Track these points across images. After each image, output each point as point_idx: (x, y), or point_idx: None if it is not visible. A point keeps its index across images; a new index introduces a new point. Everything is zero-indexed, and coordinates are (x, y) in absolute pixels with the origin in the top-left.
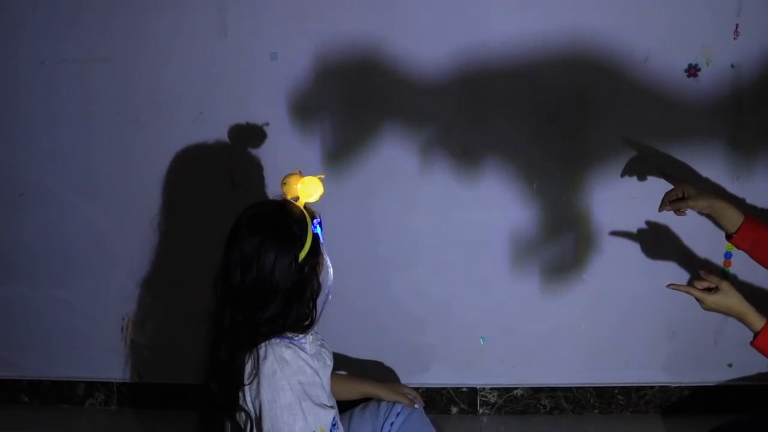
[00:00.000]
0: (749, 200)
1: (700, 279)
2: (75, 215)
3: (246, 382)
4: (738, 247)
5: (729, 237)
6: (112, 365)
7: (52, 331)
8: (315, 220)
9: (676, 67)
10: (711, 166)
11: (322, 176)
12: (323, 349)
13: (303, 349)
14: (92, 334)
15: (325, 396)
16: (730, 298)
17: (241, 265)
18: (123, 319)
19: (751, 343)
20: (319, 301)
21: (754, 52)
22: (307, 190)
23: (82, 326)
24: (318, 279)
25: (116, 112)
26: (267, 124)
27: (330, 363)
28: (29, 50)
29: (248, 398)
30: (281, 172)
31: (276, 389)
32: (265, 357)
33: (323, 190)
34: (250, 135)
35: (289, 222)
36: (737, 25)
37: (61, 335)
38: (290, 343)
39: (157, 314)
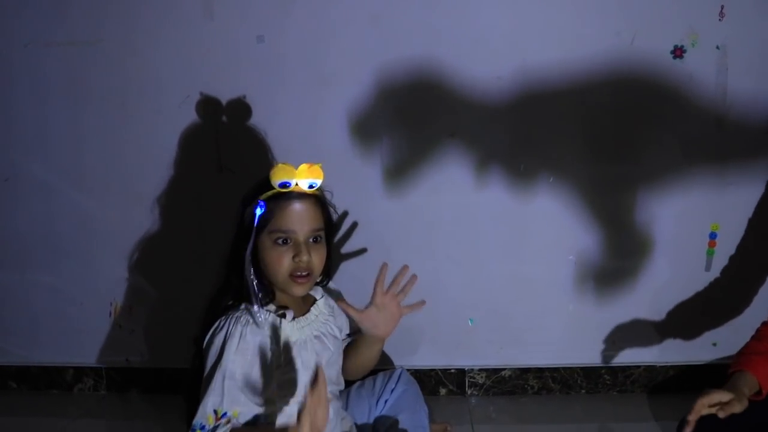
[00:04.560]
0: (734, 180)
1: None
2: (61, 200)
3: (203, 345)
4: None
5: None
6: (100, 350)
7: (39, 317)
8: (260, 202)
9: (662, 48)
10: (697, 147)
11: (319, 164)
12: (317, 340)
13: (261, 332)
14: (80, 319)
15: (257, 390)
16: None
17: None
18: (111, 304)
19: None
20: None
21: (739, 34)
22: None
23: (69, 311)
24: (247, 256)
25: (102, 95)
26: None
27: (326, 353)
28: (13, 33)
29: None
30: (269, 155)
31: (214, 359)
32: (220, 329)
33: (283, 174)
34: (236, 118)
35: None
36: (722, 7)
37: (49, 321)
38: (249, 319)
39: (145, 299)
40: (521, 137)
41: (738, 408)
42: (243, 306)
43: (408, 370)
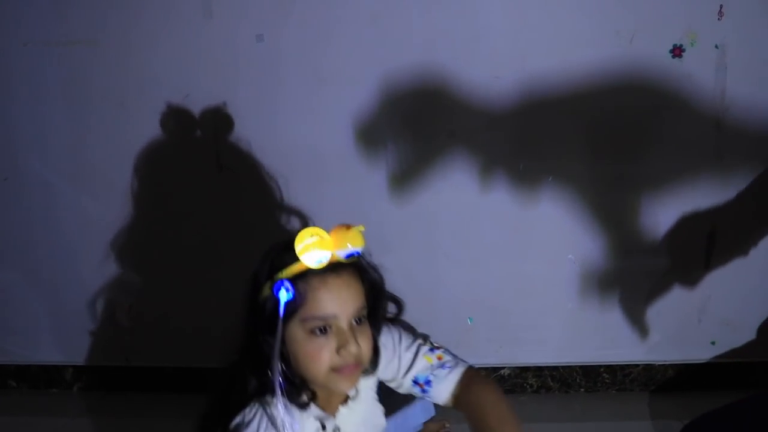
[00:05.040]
0: (733, 179)
1: None
2: (60, 199)
3: None
4: None
5: None
6: (100, 349)
7: (39, 316)
8: (284, 284)
9: (660, 47)
10: (695, 146)
11: (361, 228)
12: None
13: None
14: (80, 318)
15: None
16: None
17: None
18: (110, 303)
19: None
20: None
21: (738, 33)
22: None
23: (69, 311)
24: (281, 356)
25: (101, 94)
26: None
27: None
28: (11, 32)
29: None
30: (268, 155)
31: None
32: (247, 425)
33: (315, 246)
34: (236, 118)
35: (261, 263)
36: (721, 6)
37: (49, 320)
38: (284, 419)
39: (144, 298)
40: (520, 137)
41: None
42: (273, 401)
43: None
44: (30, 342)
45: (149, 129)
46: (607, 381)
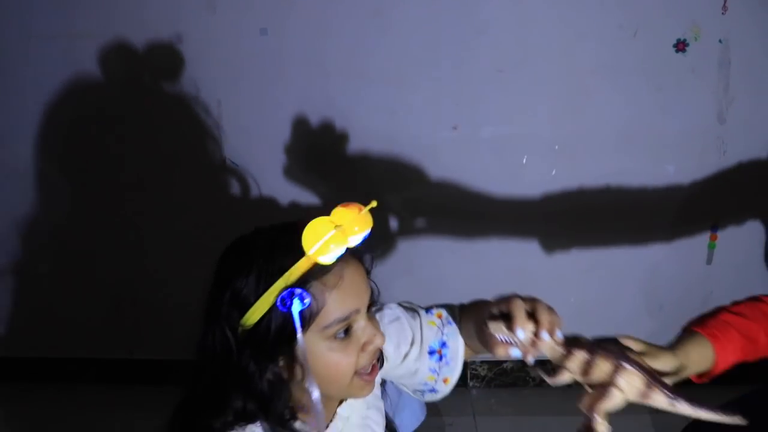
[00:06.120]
0: (736, 174)
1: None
2: (63, 192)
3: None
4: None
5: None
6: (103, 343)
7: (42, 309)
8: (296, 292)
9: (664, 42)
10: (698, 140)
11: (373, 204)
12: None
13: None
14: (83, 312)
15: None
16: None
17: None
18: (113, 297)
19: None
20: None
21: (741, 28)
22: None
23: (72, 303)
24: (286, 389)
25: (104, 88)
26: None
27: None
28: (15, 25)
29: None
30: (271, 148)
31: None
32: None
33: (337, 241)
34: (239, 112)
35: (241, 276)
36: (725, 1)
37: (52, 313)
38: None
39: (147, 291)
40: (523, 131)
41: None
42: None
43: None
44: (34, 335)
45: (153, 123)
46: None
